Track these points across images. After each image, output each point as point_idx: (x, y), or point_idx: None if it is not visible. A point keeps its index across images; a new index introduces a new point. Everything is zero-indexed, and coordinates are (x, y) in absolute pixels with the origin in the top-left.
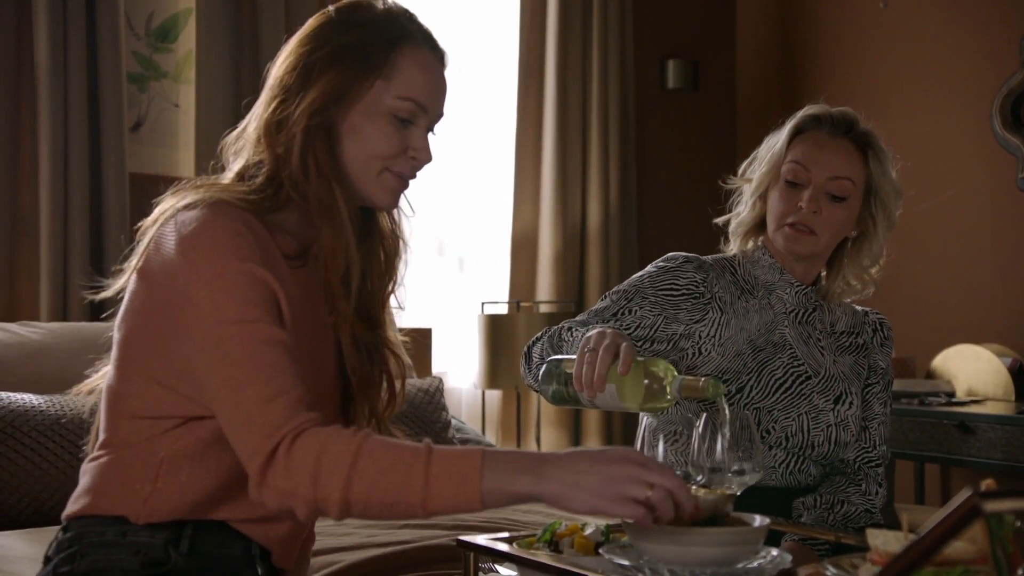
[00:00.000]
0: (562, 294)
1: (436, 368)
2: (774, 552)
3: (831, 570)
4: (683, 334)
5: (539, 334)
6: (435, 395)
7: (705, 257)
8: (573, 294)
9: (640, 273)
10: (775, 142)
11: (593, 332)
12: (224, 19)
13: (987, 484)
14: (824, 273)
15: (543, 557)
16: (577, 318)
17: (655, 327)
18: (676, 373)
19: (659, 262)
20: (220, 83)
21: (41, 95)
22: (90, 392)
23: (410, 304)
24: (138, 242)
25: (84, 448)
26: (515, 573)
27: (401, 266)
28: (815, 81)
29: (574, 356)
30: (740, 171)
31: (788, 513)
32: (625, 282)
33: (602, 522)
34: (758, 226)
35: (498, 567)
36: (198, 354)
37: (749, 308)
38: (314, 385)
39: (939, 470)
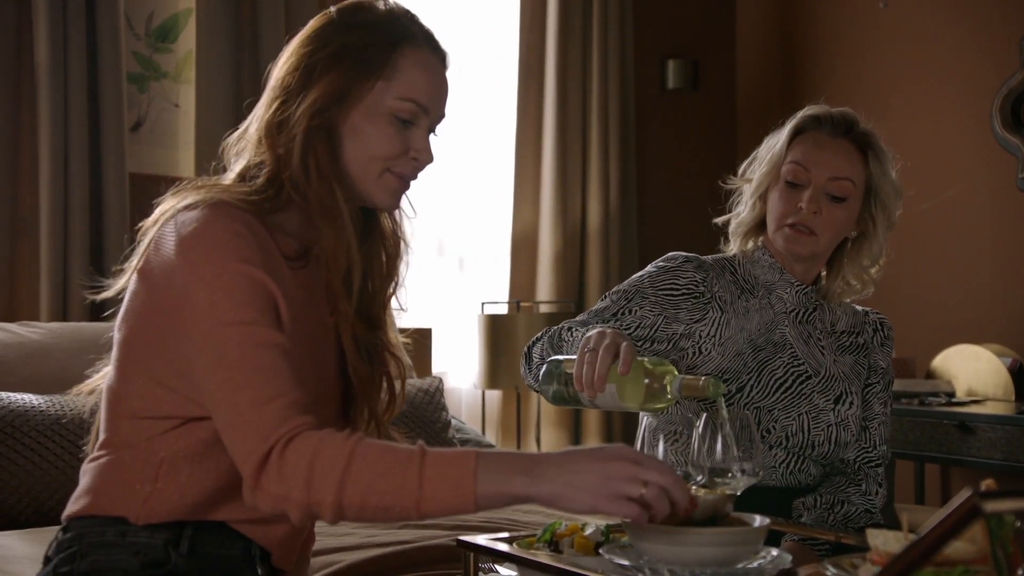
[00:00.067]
0: (562, 294)
1: (436, 368)
2: (774, 552)
3: (831, 570)
4: (683, 334)
5: (539, 334)
6: (435, 395)
7: (705, 257)
8: (573, 294)
9: (640, 273)
10: (775, 142)
11: (593, 332)
12: (224, 19)
13: (987, 484)
14: (824, 273)
15: (543, 557)
16: (577, 318)
17: (655, 327)
18: (676, 373)
19: (659, 262)
20: (220, 83)
21: (41, 95)
22: (90, 392)
23: (410, 304)
24: (139, 242)
25: (84, 448)
26: (515, 573)
27: (402, 267)
28: (815, 81)
29: (574, 356)
30: (740, 171)
31: (788, 513)
32: (625, 282)
33: (602, 522)
34: (758, 226)
35: (498, 567)
36: (197, 354)
37: (749, 308)
38: (314, 386)
39: (939, 470)
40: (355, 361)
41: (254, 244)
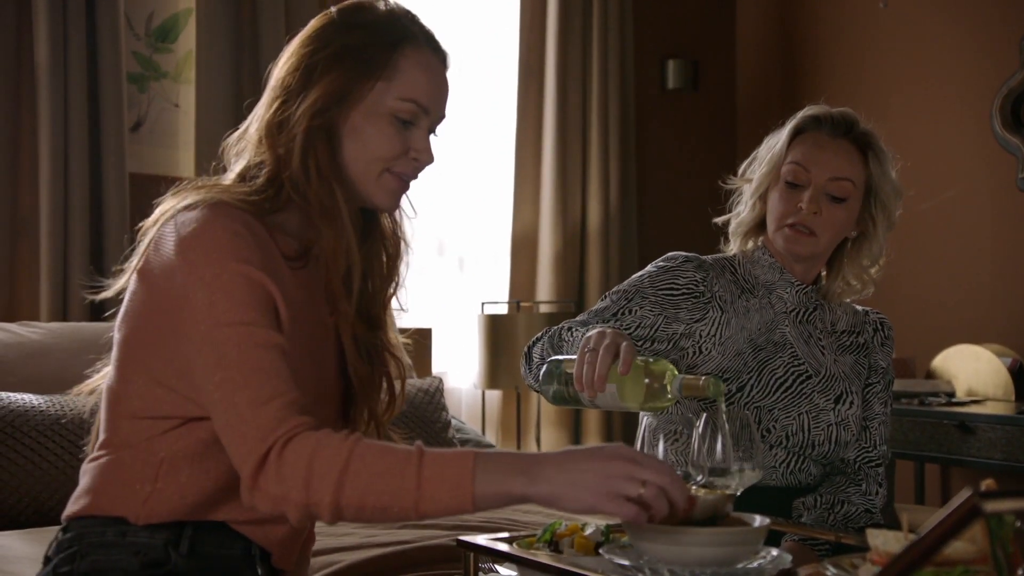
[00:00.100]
0: (562, 294)
1: (436, 368)
2: (774, 552)
3: (831, 570)
4: (683, 333)
5: (539, 334)
6: (435, 395)
7: (705, 257)
8: (573, 294)
9: (640, 273)
10: (775, 142)
11: (593, 332)
12: (224, 19)
13: (987, 484)
14: (824, 273)
15: (543, 557)
16: (577, 318)
17: (655, 327)
18: (676, 372)
19: (659, 262)
20: (220, 83)
21: (41, 95)
22: (91, 392)
23: (411, 304)
24: (139, 242)
25: (84, 448)
26: (515, 573)
27: (403, 267)
28: (815, 81)
29: (574, 356)
30: (740, 171)
31: (788, 513)
32: (625, 282)
33: (602, 522)
34: (758, 226)
35: (498, 567)
36: (195, 355)
37: (749, 307)
38: (314, 386)
39: (939, 470)
40: (355, 361)
41: (253, 244)
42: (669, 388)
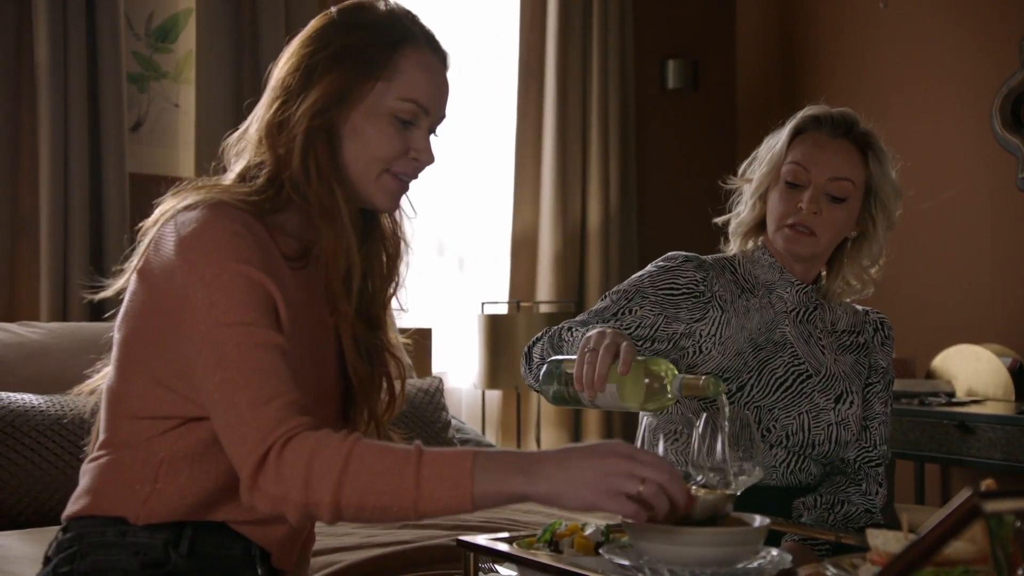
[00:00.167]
0: (562, 294)
1: (436, 368)
2: (774, 552)
3: (831, 570)
4: (683, 333)
5: (539, 334)
6: (435, 395)
7: (705, 257)
8: (573, 294)
9: (640, 273)
10: (775, 143)
11: (593, 332)
12: (224, 19)
13: (987, 484)
14: (824, 273)
15: (543, 557)
16: (577, 318)
17: (655, 327)
18: (676, 372)
19: (659, 261)
20: (220, 83)
21: (41, 95)
22: (91, 392)
23: (411, 304)
24: (138, 242)
25: (85, 448)
26: (515, 573)
27: (403, 268)
28: (815, 81)
29: (574, 356)
30: (740, 171)
31: (788, 513)
32: (625, 282)
33: (602, 522)
34: (758, 226)
35: (498, 567)
36: (195, 356)
37: (750, 307)
38: (314, 386)
39: (939, 470)
40: (355, 361)
41: (253, 244)
42: (669, 388)
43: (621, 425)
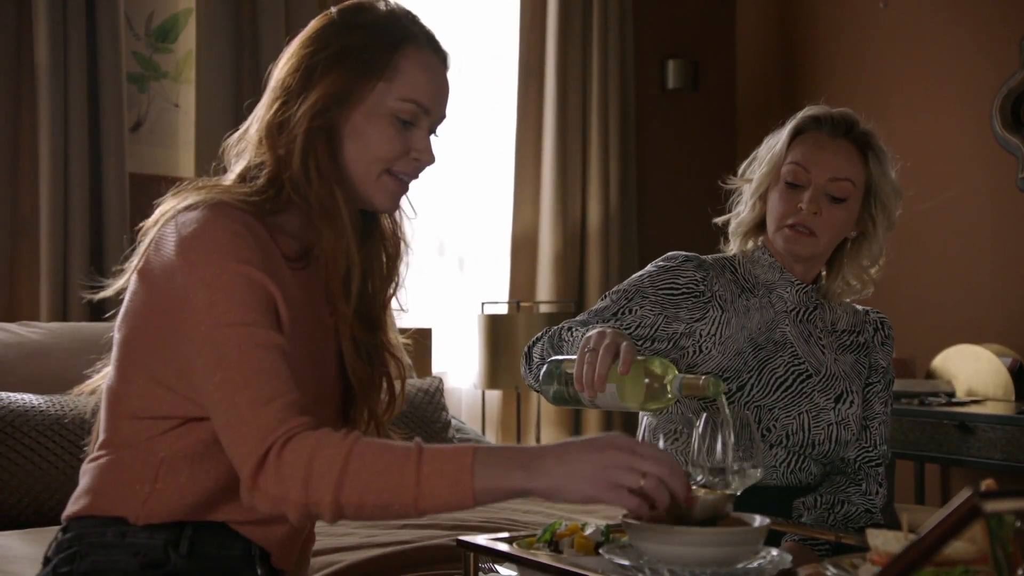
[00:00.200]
0: (562, 294)
1: (436, 368)
2: (774, 552)
3: (831, 570)
4: (684, 333)
5: (539, 334)
6: (435, 395)
7: (705, 256)
8: (573, 294)
9: (640, 272)
10: (775, 143)
11: (593, 332)
12: (224, 19)
13: (987, 484)
14: (824, 273)
15: (543, 557)
16: (577, 318)
17: (655, 326)
18: (676, 372)
19: (659, 261)
20: (220, 83)
21: (41, 95)
22: (91, 392)
23: (411, 305)
24: (139, 243)
25: (85, 448)
26: (515, 573)
27: (403, 268)
28: (815, 81)
29: (574, 356)
30: (740, 171)
31: (788, 513)
32: (625, 282)
33: (602, 522)
34: (758, 226)
35: (498, 567)
36: (196, 355)
37: (750, 306)
38: (314, 387)
39: (939, 470)
40: (354, 363)
41: (254, 245)
42: (669, 388)
43: (621, 425)
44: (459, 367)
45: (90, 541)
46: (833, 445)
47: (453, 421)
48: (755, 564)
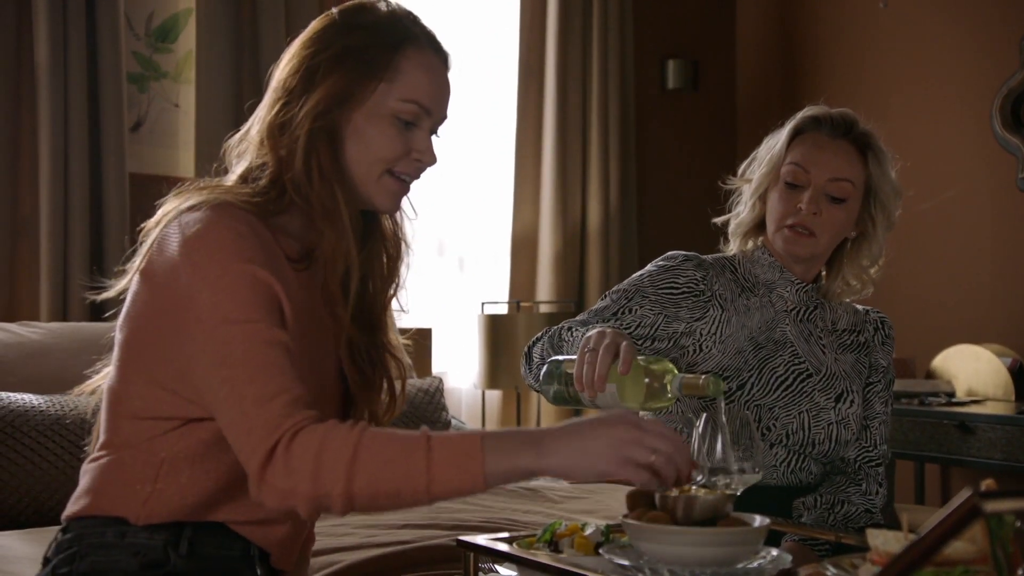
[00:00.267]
0: (562, 294)
1: (436, 368)
2: (774, 552)
3: (831, 570)
4: (684, 332)
5: (539, 334)
6: (435, 395)
7: (705, 256)
8: (573, 294)
9: (640, 272)
10: (775, 143)
11: (593, 332)
12: (224, 19)
13: (987, 484)
14: (824, 272)
15: (543, 557)
16: (577, 318)
17: (655, 326)
18: (676, 371)
19: (659, 261)
20: (220, 83)
21: (41, 95)
22: (91, 392)
23: (411, 305)
24: (141, 243)
25: (85, 448)
26: (515, 573)
27: (403, 269)
28: (815, 81)
29: (574, 356)
30: (740, 171)
31: (788, 513)
32: (625, 281)
33: (602, 522)
34: (758, 227)
35: (498, 567)
36: (199, 355)
37: (750, 306)
38: (315, 387)
39: (939, 470)
40: (350, 368)
41: (257, 245)
42: (669, 387)
43: None
44: (459, 367)
45: (90, 541)
46: (833, 444)
47: (453, 421)
48: (755, 564)
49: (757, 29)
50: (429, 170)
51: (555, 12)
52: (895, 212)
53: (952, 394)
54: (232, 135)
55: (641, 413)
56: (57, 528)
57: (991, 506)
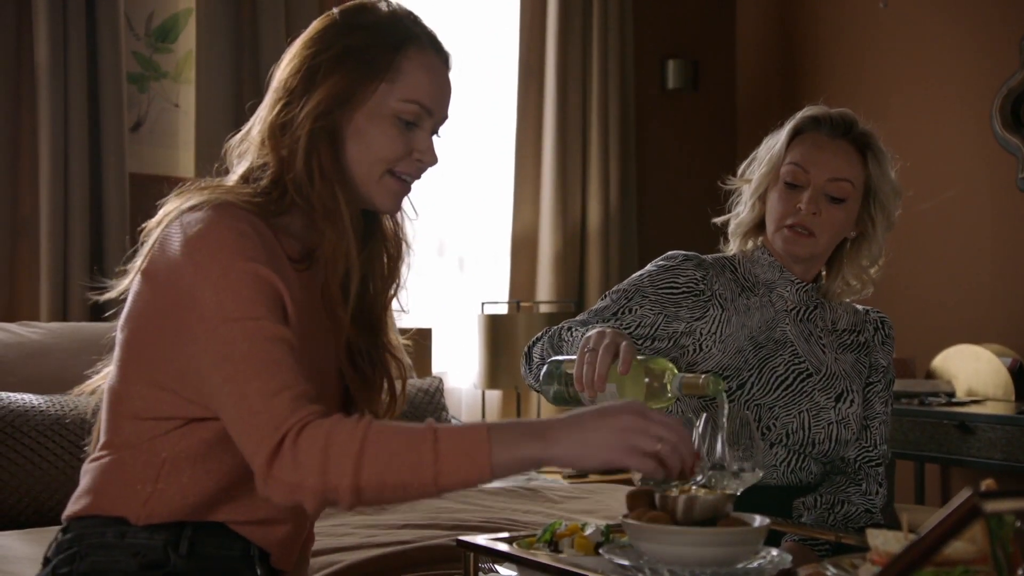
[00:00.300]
0: (562, 294)
1: (436, 368)
2: (774, 552)
3: (831, 570)
4: (684, 332)
5: (539, 334)
6: (435, 395)
7: (705, 256)
8: (573, 294)
9: (640, 272)
10: (774, 143)
11: (593, 332)
12: (224, 19)
13: (987, 484)
14: (824, 272)
15: (543, 557)
16: (577, 318)
17: (655, 326)
18: (676, 371)
19: (659, 261)
20: (220, 83)
21: (41, 95)
22: (91, 392)
23: (411, 305)
24: (142, 243)
25: (85, 448)
26: (515, 573)
27: (404, 269)
28: (815, 81)
29: (574, 356)
30: (739, 172)
31: (788, 513)
32: (625, 281)
33: (602, 522)
34: (757, 227)
35: (498, 567)
36: (202, 353)
37: (750, 305)
38: (315, 387)
39: (939, 470)
40: (348, 370)
41: (259, 244)
42: (669, 387)
43: None
44: (459, 367)
45: (90, 542)
46: (833, 444)
47: (453, 421)
48: (755, 564)
49: (757, 29)
50: (430, 170)
51: (555, 12)
52: (895, 212)
53: (952, 394)
54: (233, 135)
55: None
56: (57, 528)
57: (991, 506)
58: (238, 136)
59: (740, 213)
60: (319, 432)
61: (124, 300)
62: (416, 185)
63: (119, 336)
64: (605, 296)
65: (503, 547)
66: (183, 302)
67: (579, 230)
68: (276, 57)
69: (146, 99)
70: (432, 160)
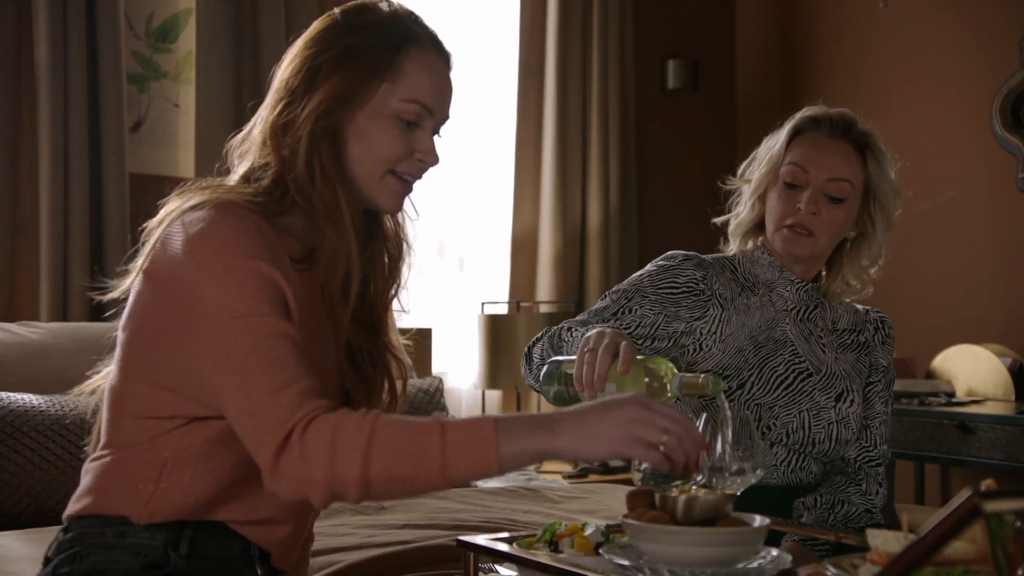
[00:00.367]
0: (562, 294)
1: (436, 368)
2: (774, 552)
3: (831, 570)
4: (684, 331)
5: (539, 334)
6: (435, 395)
7: (704, 256)
8: (573, 294)
9: (640, 272)
10: (774, 143)
11: (592, 332)
12: (224, 19)
13: (987, 484)
14: (824, 272)
15: (543, 557)
16: (577, 318)
17: (655, 325)
18: (676, 371)
19: (658, 260)
20: (220, 83)
21: (41, 95)
22: (91, 392)
23: (411, 305)
24: (143, 243)
25: (85, 448)
26: (515, 573)
27: (405, 269)
28: (815, 81)
29: (574, 357)
30: (739, 172)
31: (788, 513)
32: (625, 281)
33: (602, 522)
34: (757, 227)
35: (498, 567)
36: (205, 351)
37: (750, 305)
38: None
39: (939, 470)
40: (351, 368)
41: (261, 242)
42: (669, 387)
43: None
44: (459, 367)
45: (91, 541)
46: (833, 444)
47: None
48: (755, 564)
49: (757, 29)
50: (430, 170)
51: (555, 12)
52: (894, 212)
53: (952, 394)
54: (234, 135)
55: None
56: (58, 528)
57: (991, 506)
58: (239, 136)
59: (740, 213)
60: (326, 426)
61: (125, 300)
62: (416, 185)
63: (120, 336)
64: (605, 296)
65: (503, 547)
66: (186, 300)
67: (579, 230)
68: (276, 57)
69: (146, 99)
70: (433, 160)
